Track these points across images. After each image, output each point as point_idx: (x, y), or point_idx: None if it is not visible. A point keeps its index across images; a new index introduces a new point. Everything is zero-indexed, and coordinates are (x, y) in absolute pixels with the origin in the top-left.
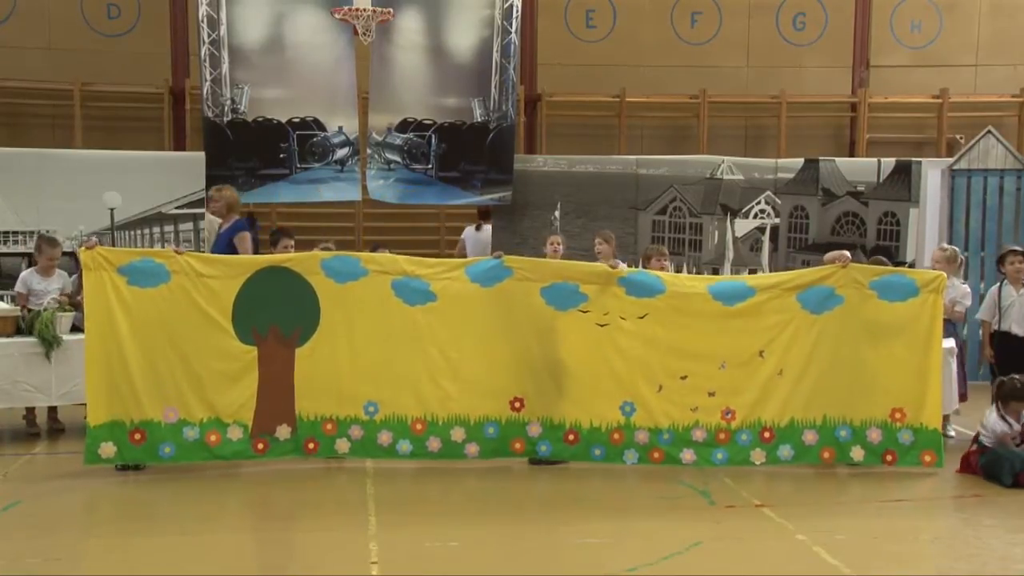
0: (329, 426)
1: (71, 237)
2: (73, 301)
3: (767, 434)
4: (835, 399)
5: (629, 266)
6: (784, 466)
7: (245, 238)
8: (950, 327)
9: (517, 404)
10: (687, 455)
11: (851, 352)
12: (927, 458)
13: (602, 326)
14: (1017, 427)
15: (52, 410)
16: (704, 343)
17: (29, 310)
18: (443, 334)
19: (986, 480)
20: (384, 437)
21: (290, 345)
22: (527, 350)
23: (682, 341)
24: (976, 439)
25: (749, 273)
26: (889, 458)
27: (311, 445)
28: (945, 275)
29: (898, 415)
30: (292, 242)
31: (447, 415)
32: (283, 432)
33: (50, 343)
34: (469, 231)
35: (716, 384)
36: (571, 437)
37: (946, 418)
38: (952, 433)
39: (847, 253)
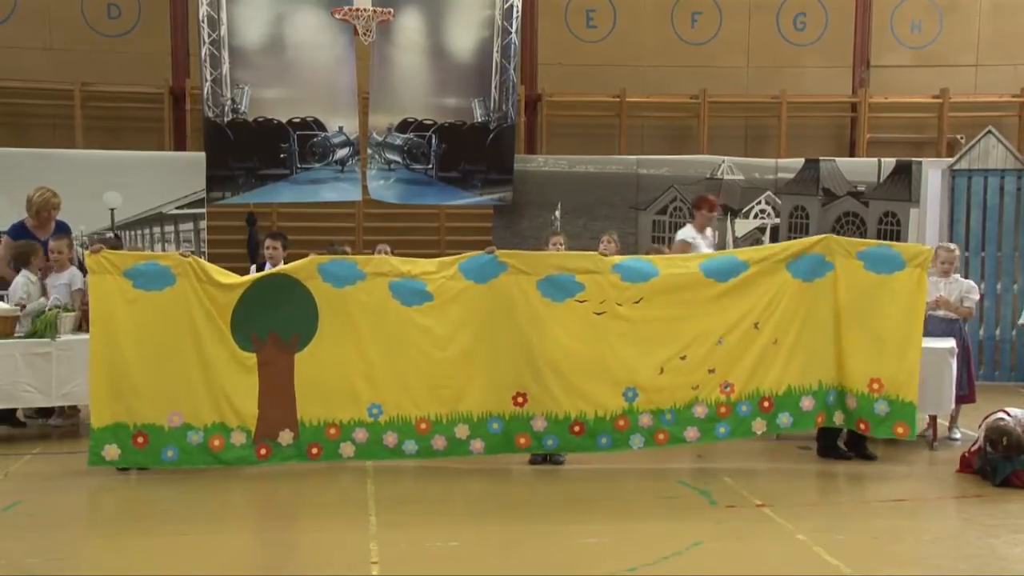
0: (332, 431)
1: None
2: (82, 301)
3: (766, 403)
4: (827, 365)
5: None
6: (785, 432)
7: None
8: (955, 325)
9: (520, 399)
10: (691, 433)
11: (839, 319)
12: (900, 429)
13: (599, 314)
14: None
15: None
16: (701, 322)
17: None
18: (442, 333)
19: (983, 480)
20: (390, 438)
21: (289, 351)
22: (526, 344)
23: (679, 322)
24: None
25: None
26: (862, 426)
27: (314, 450)
28: (931, 248)
29: (876, 385)
30: (277, 243)
31: (451, 413)
32: (286, 437)
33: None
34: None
35: (715, 360)
36: (576, 429)
37: (952, 419)
38: (958, 436)
39: None
